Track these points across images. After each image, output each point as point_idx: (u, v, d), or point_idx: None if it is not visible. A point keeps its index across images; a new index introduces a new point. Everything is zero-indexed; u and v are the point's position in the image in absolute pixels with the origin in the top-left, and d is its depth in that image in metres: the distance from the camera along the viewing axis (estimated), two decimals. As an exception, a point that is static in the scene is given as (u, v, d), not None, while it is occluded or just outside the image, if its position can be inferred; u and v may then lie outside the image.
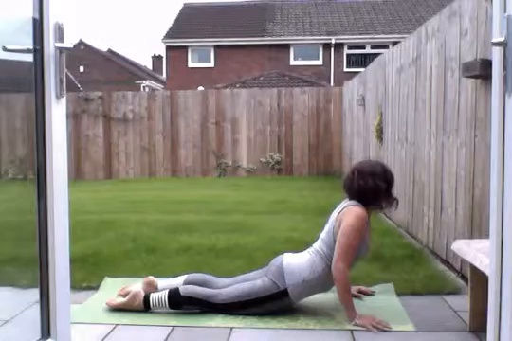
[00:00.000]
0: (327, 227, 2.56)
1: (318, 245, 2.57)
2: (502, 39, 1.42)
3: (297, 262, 2.52)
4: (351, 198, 2.55)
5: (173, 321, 2.44)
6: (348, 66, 19.53)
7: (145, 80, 30.55)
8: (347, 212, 2.46)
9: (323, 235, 2.56)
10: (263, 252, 3.57)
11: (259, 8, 22.30)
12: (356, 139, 7.82)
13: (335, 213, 2.56)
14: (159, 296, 2.54)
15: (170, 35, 20.58)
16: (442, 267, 3.31)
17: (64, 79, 1.61)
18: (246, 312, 2.50)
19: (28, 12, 1.55)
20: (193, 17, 21.79)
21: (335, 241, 2.46)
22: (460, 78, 3.14)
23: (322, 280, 2.49)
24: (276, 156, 10.24)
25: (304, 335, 2.28)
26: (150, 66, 39.45)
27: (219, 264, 3.35)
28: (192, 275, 2.71)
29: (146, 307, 2.54)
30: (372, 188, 2.48)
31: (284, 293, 2.47)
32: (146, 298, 2.55)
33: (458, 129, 3.20)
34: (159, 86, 30.65)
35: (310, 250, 2.59)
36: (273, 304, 2.49)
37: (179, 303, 2.52)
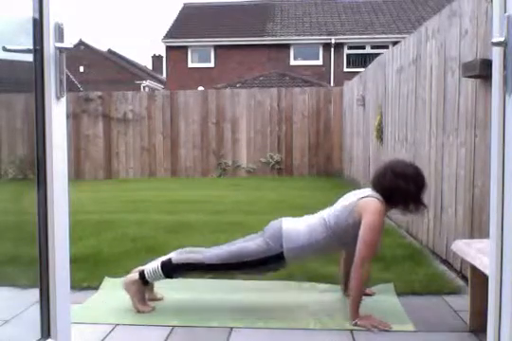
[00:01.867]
0: (345, 205, 2.49)
1: (326, 214, 2.54)
2: (502, 39, 1.42)
3: (296, 227, 2.52)
4: (376, 191, 2.51)
5: (173, 321, 2.44)
6: (348, 66, 19.53)
7: (145, 80, 30.55)
8: (369, 205, 2.42)
9: (338, 208, 2.50)
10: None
11: (259, 8, 22.30)
12: (356, 139, 7.82)
13: (353, 197, 2.50)
14: (153, 268, 2.56)
15: (170, 35, 20.58)
16: (442, 267, 3.31)
17: (64, 79, 1.61)
18: (238, 272, 2.55)
19: (28, 12, 1.55)
20: (193, 17, 21.79)
21: (346, 221, 2.43)
22: (460, 78, 3.14)
23: (320, 248, 2.49)
24: (276, 156, 10.24)
25: (304, 335, 2.28)
26: (150, 66, 39.46)
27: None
28: (180, 250, 2.69)
29: (144, 282, 2.56)
30: (402, 190, 2.44)
31: (280, 256, 2.47)
32: (142, 274, 2.56)
33: (458, 129, 3.20)
34: (159, 86, 30.65)
35: (316, 215, 2.58)
36: (266, 266, 2.51)
37: (173, 271, 2.54)
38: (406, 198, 2.48)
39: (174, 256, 2.58)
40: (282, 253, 2.46)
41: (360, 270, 2.36)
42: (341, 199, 2.60)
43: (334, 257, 3.35)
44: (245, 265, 2.50)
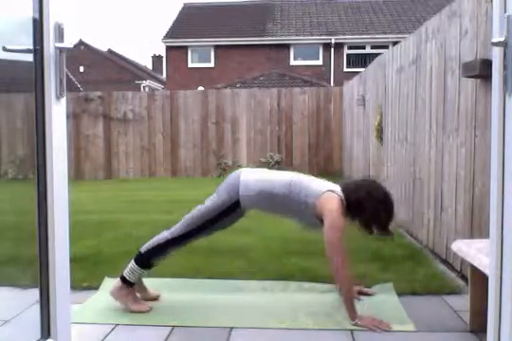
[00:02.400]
0: (313, 189, 2.51)
1: (296, 178, 2.56)
2: (502, 39, 1.42)
3: (255, 177, 2.56)
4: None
5: (173, 321, 2.44)
6: (348, 66, 19.53)
7: (145, 80, 30.54)
8: (330, 201, 2.44)
9: (311, 186, 2.52)
10: (262, 252, 3.57)
11: (259, 8, 22.30)
12: (356, 139, 7.82)
13: (324, 185, 2.54)
14: (129, 267, 2.59)
15: (170, 35, 20.58)
16: (442, 267, 3.31)
17: (64, 79, 1.61)
18: (206, 233, 2.60)
19: (28, 12, 1.55)
20: (193, 17, 21.79)
21: (304, 199, 2.47)
22: (460, 78, 3.14)
23: (276, 200, 2.51)
24: (276, 156, 10.24)
25: (304, 335, 2.28)
26: (150, 66, 39.45)
27: (218, 264, 3.35)
28: None
29: (129, 284, 2.58)
30: (369, 210, 2.48)
31: (237, 204, 2.51)
32: (122, 278, 2.59)
33: (458, 129, 3.20)
34: (159, 86, 30.65)
35: (285, 174, 2.62)
36: (227, 219, 2.56)
37: (147, 260, 2.59)
38: (370, 219, 2.51)
39: (142, 248, 2.64)
40: (238, 201, 2.51)
41: (343, 273, 2.37)
42: (315, 179, 2.63)
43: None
44: (207, 224, 2.55)
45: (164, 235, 2.62)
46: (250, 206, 2.56)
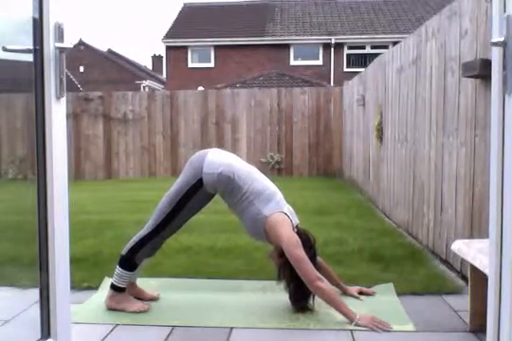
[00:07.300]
0: (275, 205, 2.57)
1: (261, 183, 2.58)
2: (501, 39, 1.42)
3: (221, 158, 2.54)
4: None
5: (174, 321, 2.44)
6: (348, 66, 19.53)
7: (145, 80, 30.54)
8: (280, 224, 2.49)
9: (274, 200, 2.60)
10: (262, 252, 3.56)
11: (259, 8, 22.30)
12: (356, 139, 7.82)
13: (277, 208, 2.56)
14: (115, 273, 2.59)
15: (170, 35, 20.58)
16: (442, 267, 3.32)
17: (64, 79, 1.61)
18: (181, 220, 2.56)
19: (28, 12, 1.55)
20: (193, 17, 21.80)
21: (255, 212, 2.49)
22: (460, 78, 3.14)
23: (237, 187, 2.50)
24: (276, 156, 10.24)
25: (304, 335, 2.28)
26: (150, 66, 39.44)
27: (219, 264, 3.35)
28: None
29: (119, 290, 2.58)
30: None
31: (200, 182, 2.49)
32: (112, 285, 2.59)
33: (458, 129, 3.20)
34: (159, 86, 30.64)
35: (259, 177, 2.61)
36: (192, 202, 2.52)
37: (130, 261, 2.57)
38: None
39: (123, 249, 2.62)
40: (201, 179, 2.48)
41: (316, 285, 2.37)
42: (280, 195, 2.69)
43: (334, 258, 3.36)
44: (176, 210, 2.51)
45: (140, 232, 2.62)
46: (211, 185, 2.51)
